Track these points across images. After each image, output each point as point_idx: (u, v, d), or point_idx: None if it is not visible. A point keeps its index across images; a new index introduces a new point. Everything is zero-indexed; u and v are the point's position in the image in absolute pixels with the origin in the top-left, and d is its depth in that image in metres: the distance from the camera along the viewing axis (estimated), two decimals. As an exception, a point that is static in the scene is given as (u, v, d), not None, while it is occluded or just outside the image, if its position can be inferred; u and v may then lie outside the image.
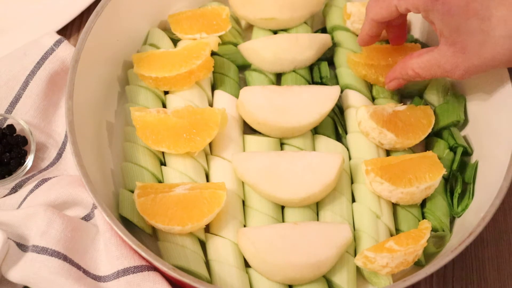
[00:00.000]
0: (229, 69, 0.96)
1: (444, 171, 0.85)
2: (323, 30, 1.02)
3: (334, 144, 0.90)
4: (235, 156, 0.86)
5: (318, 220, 0.86)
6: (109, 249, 0.80)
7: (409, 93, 0.96)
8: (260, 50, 0.95)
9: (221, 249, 0.82)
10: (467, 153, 0.90)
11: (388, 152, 0.91)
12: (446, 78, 0.95)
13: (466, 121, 0.92)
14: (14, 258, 0.78)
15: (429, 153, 0.87)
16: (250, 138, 0.90)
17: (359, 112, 0.89)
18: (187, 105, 0.89)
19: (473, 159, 0.90)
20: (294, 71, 0.95)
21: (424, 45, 0.98)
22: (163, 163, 0.88)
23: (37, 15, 1.04)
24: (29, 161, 0.90)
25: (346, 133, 0.92)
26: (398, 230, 0.85)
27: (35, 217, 0.80)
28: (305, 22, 0.99)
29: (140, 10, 0.96)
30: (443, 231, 0.85)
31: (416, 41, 1.00)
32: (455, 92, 0.94)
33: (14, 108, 0.92)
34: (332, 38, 0.99)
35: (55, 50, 0.94)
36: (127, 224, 0.83)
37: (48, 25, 1.01)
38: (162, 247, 0.81)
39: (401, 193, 0.83)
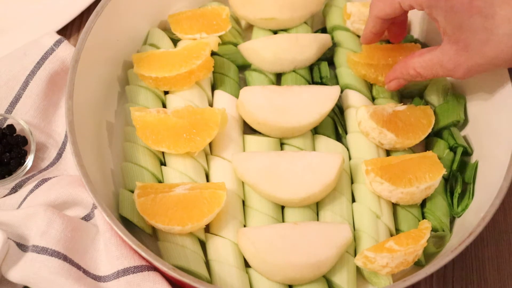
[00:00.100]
0: (229, 69, 0.96)
1: (444, 171, 0.85)
2: (323, 30, 1.02)
3: (334, 144, 0.90)
4: (235, 156, 0.86)
5: (318, 220, 0.86)
6: (109, 249, 0.80)
7: (409, 93, 0.96)
8: (260, 50, 0.95)
9: (221, 249, 0.82)
10: (467, 153, 0.90)
11: (388, 152, 0.91)
12: (447, 78, 0.95)
13: (466, 121, 0.92)
14: (14, 258, 0.78)
15: (429, 153, 0.87)
16: (250, 138, 0.90)
17: (359, 112, 0.89)
18: (187, 105, 0.89)
19: (473, 159, 0.90)
20: (294, 71, 0.95)
21: (424, 45, 0.98)
22: (163, 163, 0.88)
23: (37, 15, 1.04)
24: (29, 161, 0.90)
25: (346, 133, 0.92)
26: (398, 230, 0.85)
27: (35, 217, 0.80)
28: (305, 22, 0.99)
29: (140, 10, 0.96)
30: (443, 231, 0.85)
31: (416, 41, 1.00)
32: (455, 92, 0.94)
33: (14, 108, 0.92)
34: (332, 38, 0.99)
35: (55, 50, 0.94)
36: (127, 224, 0.83)
37: (48, 25, 1.01)
38: (162, 247, 0.81)
39: (401, 193, 0.83)
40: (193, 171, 0.86)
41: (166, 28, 0.99)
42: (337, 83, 0.95)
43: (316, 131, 0.92)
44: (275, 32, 0.99)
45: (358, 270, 0.83)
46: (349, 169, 0.89)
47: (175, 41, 0.98)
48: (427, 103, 0.94)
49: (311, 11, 0.99)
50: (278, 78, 0.97)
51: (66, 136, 0.93)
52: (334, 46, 0.98)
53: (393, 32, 0.93)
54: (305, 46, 0.95)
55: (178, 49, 0.94)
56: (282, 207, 0.86)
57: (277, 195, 0.83)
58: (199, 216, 0.80)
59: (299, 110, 0.88)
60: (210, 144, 0.90)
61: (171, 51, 0.93)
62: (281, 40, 0.95)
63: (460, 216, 0.86)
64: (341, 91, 0.94)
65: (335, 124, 0.93)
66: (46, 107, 0.93)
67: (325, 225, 0.82)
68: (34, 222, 0.80)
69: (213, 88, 0.95)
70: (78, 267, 0.79)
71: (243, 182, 0.87)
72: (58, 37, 0.95)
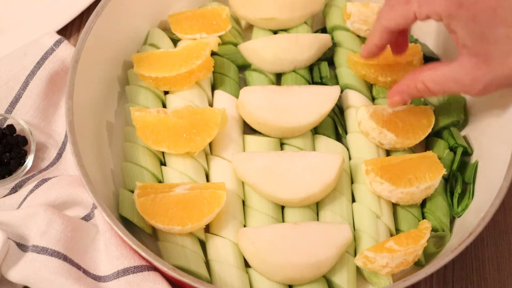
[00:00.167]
0: (229, 69, 0.96)
1: (444, 171, 0.85)
2: (323, 30, 1.02)
3: (334, 144, 0.90)
4: (235, 156, 0.86)
5: (318, 220, 0.86)
6: (109, 249, 0.80)
7: (409, 93, 0.96)
8: (260, 50, 0.95)
9: (221, 249, 0.82)
10: (467, 153, 0.90)
11: (388, 152, 0.91)
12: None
13: (466, 121, 0.92)
14: (14, 258, 0.78)
15: (429, 153, 0.87)
16: (250, 138, 0.90)
17: (359, 112, 0.89)
18: (187, 105, 0.89)
19: (473, 159, 0.90)
20: (294, 71, 0.95)
21: (424, 46, 0.98)
22: (163, 163, 0.88)
23: (37, 15, 1.04)
24: (29, 161, 0.90)
25: (346, 133, 0.92)
26: (398, 230, 0.85)
27: (35, 217, 0.80)
28: (305, 22, 0.99)
29: (140, 10, 0.96)
30: (443, 231, 0.85)
31: (416, 41, 1.00)
32: (455, 92, 0.94)
33: (14, 108, 0.92)
34: (332, 38, 0.99)
35: (55, 50, 0.94)
36: (127, 224, 0.83)
37: (48, 25, 1.01)
38: (162, 247, 0.81)
39: (401, 193, 0.83)
40: (193, 171, 0.86)
41: (166, 28, 0.99)
42: (337, 83, 0.95)
43: (316, 131, 0.92)
44: (275, 32, 0.99)
45: (358, 270, 0.83)
46: (349, 169, 0.89)
47: (175, 41, 0.98)
48: (427, 103, 0.94)
49: (311, 11, 0.99)
50: (278, 78, 0.97)
51: (66, 136, 0.93)
52: (334, 46, 0.98)
53: (396, 43, 0.88)
54: (305, 46, 0.95)
55: (178, 49, 0.94)
56: (282, 207, 0.86)
57: (277, 195, 0.83)
58: (199, 216, 0.80)
59: (299, 110, 0.88)
60: (210, 144, 0.90)
61: (171, 51, 0.93)
62: (281, 40, 0.95)
63: (460, 216, 0.86)
64: (341, 91, 0.94)
65: (335, 124, 0.93)
66: (46, 107, 0.93)
67: (325, 225, 0.82)
68: (34, 222, 0.80)
69: (213, 88, 0.95)
70: (78, 267, 0.79)
71: (243, 182, 0.87)
72: (58, 37, 0.95)
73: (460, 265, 0.88)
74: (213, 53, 0.94)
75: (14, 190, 0.88)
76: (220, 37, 0.96)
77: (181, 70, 0.90)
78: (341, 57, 0.96)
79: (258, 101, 0.89)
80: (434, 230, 0.85)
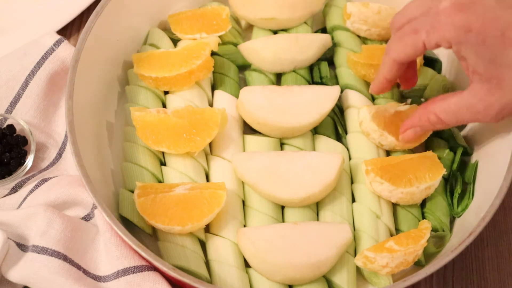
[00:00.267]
0: (229, 69, 0.96)
1: (444, 171, 0.85)
2: (323, 30, 1.02)
3: (334, 144, 0.90)
4: (235, 156, 0.86)
5: (318, 220, 0.85)
6: (109, 249, 0.80)
7: (409, 94, 0.96)
8: (260, 50, 0.95)
9: (221, 249, 0.82)
10: (467, 153, 0.90)
11: (388, 152, 0.91)
12: (446, 76, 0.95)
13: (466, 121, 0.92)
14: (14, 258, 0.78)
15: (429, 153, 0.87)
16: (250, 138, 0.90)
17: (361, 112, 0.89)
18: (187, 105, 0.89)
19: (473, 159, 0.90)
20: (294, 71, 0.95)
21: (427, 56, 0.97)
22: (163, 163, 0.88)
23: (37, 15, 1.04)
24: (29, 161, 0.90)
25: (346, 133, 0.92)
26: (398, 230, 0.85)
27: (35, 217, 0.80)
28: (305, 22, 0.99)
29: (140, 10, 0.96)
30: (443, 231, 0.85)
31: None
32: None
33: (14, 108, 0.92)
34: (332, 38, 0.99)
35: (55, 50, 0.94)
36: (127, 224, 0.83)
37: (48, 25, 1.01)
38: (162, 247, 0.81)
39: (401, 193, 0.83)
40: (193, 171, 0.86)
41: (166, 28, 0.99)
42: (337, 83, 0.95)
43: (316, 131, 0.92)
44: (275, 32, 0.99)
45: (358, 270, 0.83)
46: (349, 169, 0.89)
47: (175, 41, 0.98)
48: (427, 103, 0.94)
49: (311, 11, 0.99)
50: (278, 78, 0.97)
51: (66, 136, 0.93)
52: (334, 46, 0.98)
53: (405, 76, 0.86)
54: (305, 46, 0.95)
55: (178, 49, 0.94)
56: (282, 207, 0.86)
57: (277, 195, 0.83)
58: (199, 216, 0.80)
59: (299, 110, 0.88)
60: (210, 144, 0.89)
61: (171, 51, 0.93)
62: (281, 40, 0.95)
63: (460, 216, 0.86)
64: (341, 91, 0.94)
65: (335, 124, 0.93)
66: (46, 107, 0.93)
67: (325, 225, 0.82)
68: (34, 222, 0.80)
69: (213, 88, 0.95)
70: (78, 267, 0.79)
71: (243, 182, 0.87)
72: (58, 37, 0.95)
73: (460, 265, 0.88)
74: (213, 53, 0.94)
75: (14, 190, 0.88)
76: (220, 37, 0.96)
77: (181, 70, 0.90)
78: (341, 57, 0.96)
79: (258, 101, 0.89)
80: (434, 230, 0.85)
